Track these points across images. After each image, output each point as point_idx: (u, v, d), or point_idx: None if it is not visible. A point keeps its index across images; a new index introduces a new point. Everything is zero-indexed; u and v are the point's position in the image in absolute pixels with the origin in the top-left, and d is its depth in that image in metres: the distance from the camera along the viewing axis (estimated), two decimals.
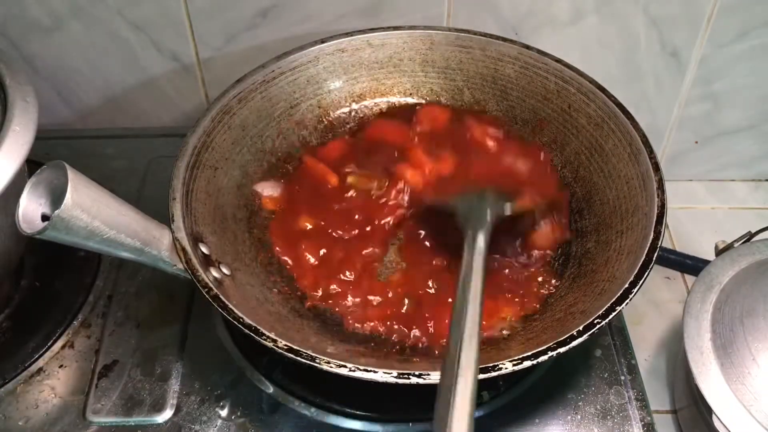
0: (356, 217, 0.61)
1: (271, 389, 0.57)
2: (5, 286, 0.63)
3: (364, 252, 0.59)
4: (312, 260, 0.59)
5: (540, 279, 0.58)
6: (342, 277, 0.58)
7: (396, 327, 0.55)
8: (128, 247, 0.47)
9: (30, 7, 0.73)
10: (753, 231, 0.62)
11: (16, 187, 0.47)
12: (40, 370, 0.58)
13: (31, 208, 0.43)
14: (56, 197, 0.42)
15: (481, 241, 0.48)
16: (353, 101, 0.70)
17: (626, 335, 0.60)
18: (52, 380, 0.58)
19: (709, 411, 0.52)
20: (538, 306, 0.56)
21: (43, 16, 0.74)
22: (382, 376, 0.44)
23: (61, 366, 0.59)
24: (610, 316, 0.47)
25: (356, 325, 0.55)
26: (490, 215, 0.52)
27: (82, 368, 0.58)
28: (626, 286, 0.48)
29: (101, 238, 0.44)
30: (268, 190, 0.63)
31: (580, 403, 0.56)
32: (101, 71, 0.79)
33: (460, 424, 0.36)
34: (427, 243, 0.60)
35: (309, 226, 0.61)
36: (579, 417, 0.55)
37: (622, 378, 0.57)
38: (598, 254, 0.56)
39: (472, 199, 0.56)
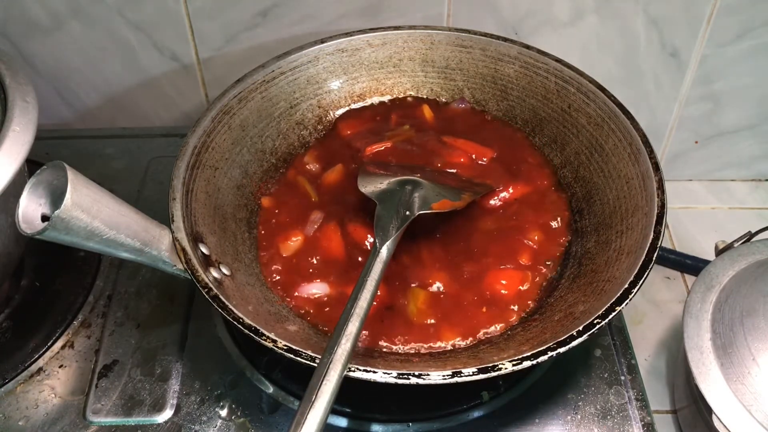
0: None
1: (271, 389, 0.57)
2: (5, 286, 0.63)
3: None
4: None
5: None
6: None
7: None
8: (128, 248, 0.47)
9: (30, 7, 0.73)
10: (753, 231, 0.62)
11: (16, 187, 0.48)
12: (40, 370, 0.58)
13: (31, 208, 0.43)
14: (56, 197, 0.42)
15: (384, 253, 0.50)
16: (353, 101, 0.70)
17: (626, 335, 0.60)
18: (52, 380, 0.58)
19: (709, 411, 0.52)
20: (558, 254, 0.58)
21: (43, 16, 0.74)
22: (382, 376, 0.44)
23: (61, 366, 0.59)
24: (610, 316, 0.47)
25: None
26: (398, 226, 0.52)
27: (82, 368, 0.58)
28: (626, 286, 0.48)
29: (101, 238, 0.44)
30: (315, 289, 0.57)
31: (580, 403, 0.56)
32: (101, 71, 0.79)
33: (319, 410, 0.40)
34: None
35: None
36: (579, 417, 0.55)
37: (622, 378, 0.57)
38: (598, 254, 0.56)
39: (392, 196, 0.55)
